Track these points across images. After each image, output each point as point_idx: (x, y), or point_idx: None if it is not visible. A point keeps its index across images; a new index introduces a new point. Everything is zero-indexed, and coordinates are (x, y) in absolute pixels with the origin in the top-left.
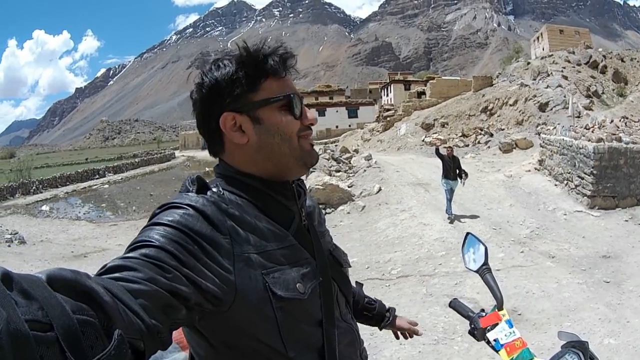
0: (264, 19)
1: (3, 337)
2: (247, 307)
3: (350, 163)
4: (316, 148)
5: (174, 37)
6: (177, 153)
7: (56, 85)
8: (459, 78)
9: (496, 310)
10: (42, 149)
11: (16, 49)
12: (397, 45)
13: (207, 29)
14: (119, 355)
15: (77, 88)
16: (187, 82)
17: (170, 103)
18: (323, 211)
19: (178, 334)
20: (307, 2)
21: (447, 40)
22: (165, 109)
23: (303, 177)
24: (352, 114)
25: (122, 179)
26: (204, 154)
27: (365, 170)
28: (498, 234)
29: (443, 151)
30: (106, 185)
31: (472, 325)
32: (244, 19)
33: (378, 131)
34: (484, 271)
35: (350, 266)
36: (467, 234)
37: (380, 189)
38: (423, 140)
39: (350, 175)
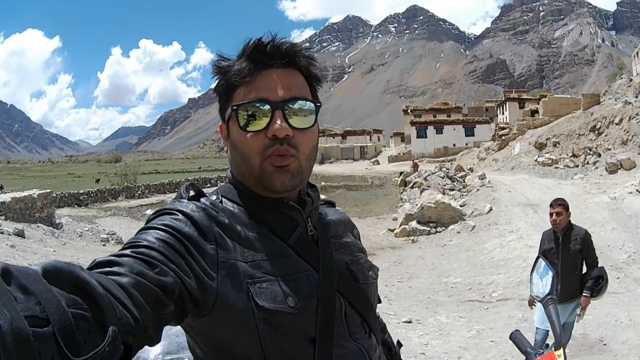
0: (380, 35)
1: (8, 338)
2: (227, 315)
3: (464, 182)
4: (431, 166)
5: None
6: None
7: (167, 94)
8: (569, 96)
9: (553, 349)
10: (151, 156)
11: (121, 57)
12: (510, 62)
13: (323, 44)
14: (112, 351)
15: (190, 98)
16: None
17: None
18: (354, 224)
19: None
20: (421, 18)
21: (558, 57)
22: None
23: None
24: (469, 132)
25: None
26: (322, 168)
27: (478, 190)
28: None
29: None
30: None
31: None
32: (360, 34)
33: (493, 150)
34: (548, 302)
35: (374, 279)
36: (538, 257)
37: (491, 209)
38: (536, 160)
39: (464, 194)
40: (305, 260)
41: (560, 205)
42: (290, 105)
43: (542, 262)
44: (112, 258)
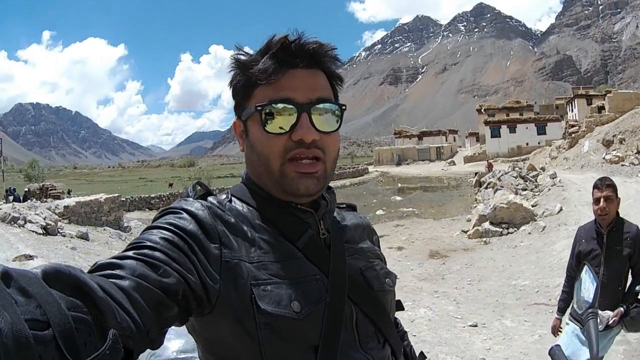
0: (450, 34)
1: (8, 341)
2: (227, 316)
3: (536, 181)
4: (505, 166)
5: (363, 54)
6: (370, 168)
7: None
8: (632, 91)
9: None
10: (227, 160)
11: (191, 63)
12: (576, 58)
13: (395, 45)
14: (112, 355)
15: None
16: (381, 98)
17: (365, 119)
18: (374, 230)
19: None
20: (489, 16)
21: (619, 52)
22: (360, 125)
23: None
24: (541, 130)
25: None
26: (399, 170)
27: (549, 189)
28: None
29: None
30: None
31: None
32: (430, 34)
33: (564, 148)
34: (589, 316)
35: (391, 286)
36: (584, 264)
37: (561, 209)
38: (604, 158)
39: (536, 194)
40: (315, 264)
41: (609, 187)
42: (316, 108)
43: (587, 270)
44: (114, 260)
